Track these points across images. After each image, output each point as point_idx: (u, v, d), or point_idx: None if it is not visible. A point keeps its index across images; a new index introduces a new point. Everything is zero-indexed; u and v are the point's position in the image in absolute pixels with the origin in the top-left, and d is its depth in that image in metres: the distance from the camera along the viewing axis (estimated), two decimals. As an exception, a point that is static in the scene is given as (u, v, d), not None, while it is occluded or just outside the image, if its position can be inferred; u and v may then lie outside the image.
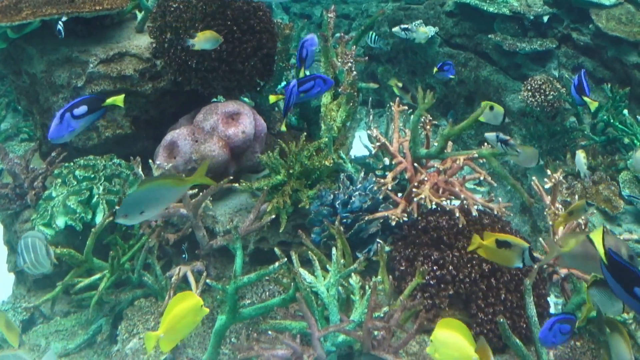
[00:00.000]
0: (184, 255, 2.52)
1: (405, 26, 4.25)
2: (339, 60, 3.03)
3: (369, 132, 2.78)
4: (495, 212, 2.50)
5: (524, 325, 2.24)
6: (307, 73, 2.67)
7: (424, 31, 3.96)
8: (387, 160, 2.82)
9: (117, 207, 2.48)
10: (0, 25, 2.78)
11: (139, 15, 3.20)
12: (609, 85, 4.26)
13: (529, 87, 4.24)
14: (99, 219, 2.64)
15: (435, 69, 3.64)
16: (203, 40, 2.55)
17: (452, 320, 1.77)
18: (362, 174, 2.71)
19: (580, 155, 3.28)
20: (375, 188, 2.55)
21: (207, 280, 2.17)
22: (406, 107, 2.78)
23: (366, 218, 2.49)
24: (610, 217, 3.64)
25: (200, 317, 1.80)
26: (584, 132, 4.15)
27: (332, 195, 2.55)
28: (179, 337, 1.81)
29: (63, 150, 2.96)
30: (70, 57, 2.92)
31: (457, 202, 2.50)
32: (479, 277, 2.26)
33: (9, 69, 3.22)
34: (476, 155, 2.48)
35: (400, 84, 3.15)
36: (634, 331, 2.27)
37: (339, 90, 2.97)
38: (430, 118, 2.62)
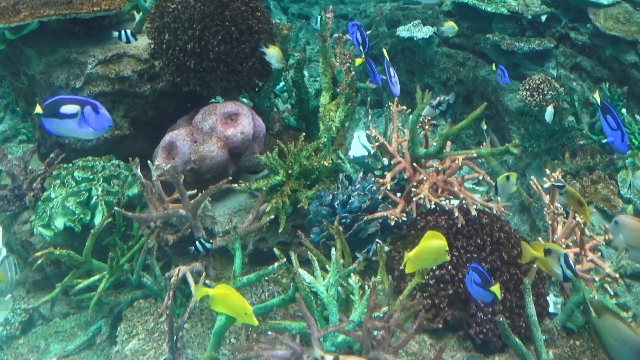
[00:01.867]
0: (194, 251, 2.45)
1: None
2: (338, 60, 3.03)
3: (367, 132, 2.78)
4: (494, 212, 2.50)
5: (524, 325, 2.24)
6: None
7: (451, 25, 3.96)
8: (385, 160, 2.82)
9: (115, 209, 2.48)
10: (-1, 27, 2.78)
11: (137, 17, 3.20)
12: (607, 85, 4.26)
13: (527, 87, 4.25)
14: (97, 220, 2.64)
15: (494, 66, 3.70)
16: (271, 53, 2.79)
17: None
18: (361, 174, 2.71)
19: (549, 109, 3.39)
20: (374, 188, 2.55)
21: (207, 281, 2.17)
22: (405, 107, 2.78)
23: (365, 218, 2.49)
24: (609, 216, 3.64)
25: (245, 321, 1.80)
26: (582, 132, 4.15)
27: (331, 196, 2.55)
28: (224, 310, 1.84)
29: (62, 151, 2.96)
30: (68, 59, 2.92)
31: (456, 202, 2.50)
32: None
33: (7, 71, 3.22)
34: (475, 154, 2.48)
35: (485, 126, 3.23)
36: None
37: (338, 90, 2.97)
38: (429, 118, 2.62)
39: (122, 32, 2.74)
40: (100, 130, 2.08)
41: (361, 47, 2.80)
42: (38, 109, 1.99)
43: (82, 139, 2.11)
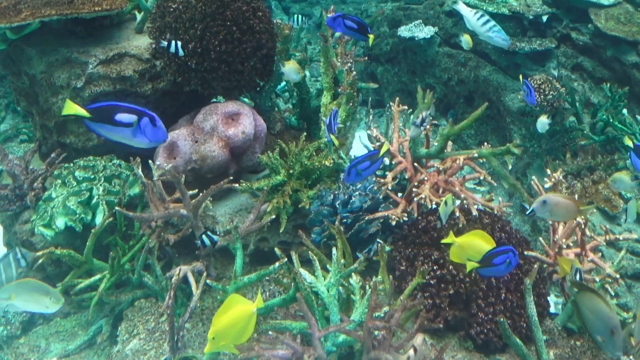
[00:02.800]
0: (200, 245, 2.38)
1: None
2: (339, 60, 3.03)
3: (368, 132, 2.78)
4: (495, 212, 2.50)
5: (524, 325, 2.25)
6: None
7: (467, 40, 4.00)
8: (387, 160, 2.82)
9: (116, 208, 2.48)
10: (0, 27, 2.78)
11: (138, 16, 3.20)
12: (608, 85, 4.26)
13: (528, 87, 4.24)
14: (98, 219, 2.64)
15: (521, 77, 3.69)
16: (288, 68, 2.86)
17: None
18: (362, 174, 2.71)
19: (544, 120, 3.41)
20: (376, 188, 2.55)
21: (208, 281, 2.17)
22: (406, 107, 2.78)
23: (366, 218, 2.49)
24: (610, 217, 3.64)
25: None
26: (583, 132, 4.15)
27: (332, 195, 2.55)
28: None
29: (63, 151, 2.96)
30: (69, 58, 2.92)
31: (457, 202, 2.50)
32: (479, 277, 2.26)
33: (8, 70, 3.22)
34: (476, 154, 2.48)
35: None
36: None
37: (339, 90, 2.97)
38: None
39: (173, 42, 2.68)
40: (155, 142, 2.03)
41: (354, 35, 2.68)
42: (79, 111, 1.86)
43: (133, 146, 2.06)
